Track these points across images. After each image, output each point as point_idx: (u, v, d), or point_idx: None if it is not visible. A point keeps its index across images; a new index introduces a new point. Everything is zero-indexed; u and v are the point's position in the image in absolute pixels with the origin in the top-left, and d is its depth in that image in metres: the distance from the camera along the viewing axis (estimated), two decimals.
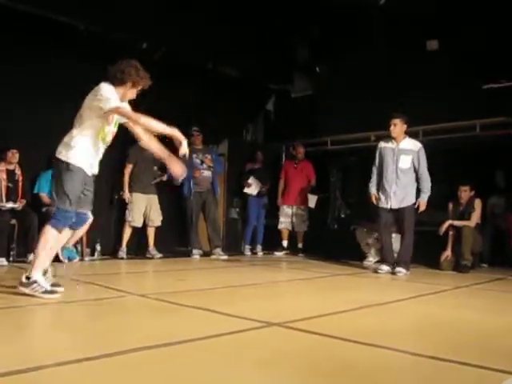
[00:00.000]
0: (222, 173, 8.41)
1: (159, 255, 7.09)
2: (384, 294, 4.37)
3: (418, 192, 5.84)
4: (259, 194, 8.40)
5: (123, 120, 3.73)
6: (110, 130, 3.73)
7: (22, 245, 6.03)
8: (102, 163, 3.82)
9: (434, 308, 3.60)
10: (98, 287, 4.18)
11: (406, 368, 2.12)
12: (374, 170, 6.08)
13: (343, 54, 8.16)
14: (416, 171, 5.82)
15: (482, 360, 2.12)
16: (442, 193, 6.84)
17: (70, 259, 6.08)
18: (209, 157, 7.69)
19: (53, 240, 3.57)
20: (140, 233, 7.27)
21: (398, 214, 5.88)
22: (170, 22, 6.86)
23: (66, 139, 3.62)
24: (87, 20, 6.20)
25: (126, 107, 3.72)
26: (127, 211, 7.02)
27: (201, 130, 7.64)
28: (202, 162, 7.58)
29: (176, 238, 8.17)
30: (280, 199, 8.46)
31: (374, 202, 6.02)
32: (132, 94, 3.74)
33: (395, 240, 6.21)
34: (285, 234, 8.45)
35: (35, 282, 3.42)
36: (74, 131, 3.62)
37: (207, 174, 7.62)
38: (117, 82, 3.65)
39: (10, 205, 5.98)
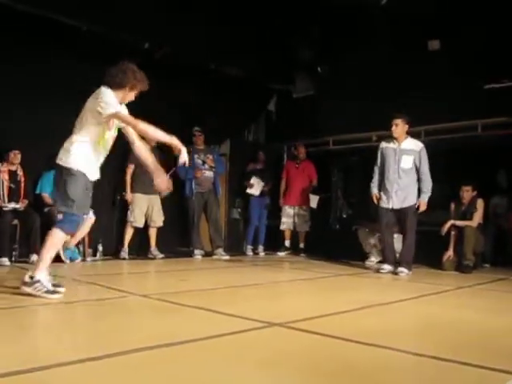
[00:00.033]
0: (223, 173, 8.40)
1: (161, 255, 7.10)
2: (386, 294, 4.36)
3: (420, 192, 5.84)
4: (261, 194, 8.41)
5: (122, 125, 3.74)
6: (111, 135, 3.76)
7: (24, 245, 6.05)
8: (103, 164, 3.83)
9: (436, 308, 3.60)
10: (100, 287, 4.19)
11: (408, 368, 2.12)
12: (376, 170, 6.08)
13: (345, 54, 8.15)
14: (417, 171, 5.82)
15: (483, 360, 2.12)
16: (444, 193, 6.84)
17: (72, 259, 6.10)
18: (210, 157, 7.70)
19: (60, 243, 3.61)
20: (142, 233, 7.28)
21: (399, 214, 5.88)
22: (171, 22, 6.86)
23: (66, 145, 3.64)
24: (88, 20, 6.19)
25: (125, 111, 3.74)
26: (129, 212, 7.03)
27: (202, 130, 7.66)
28: (204, 163, 7.59)
29: (178, 239, 8.18)
30: (282, 199, 8.46)
31: (376, 202, 6.02)
32: (131, 96, 3.77)
33: (397, 240, 6.21)
34: (287, 235, 8.45)
35: (38, 281, 3.43)
36: (74, 136, 3.64)
37: (209, 174, 7.63)
38: (115, 85, 3.66)
39: (12, 205, 5.99)
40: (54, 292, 3.46)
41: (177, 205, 7.84)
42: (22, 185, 6.23)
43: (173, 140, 3.64)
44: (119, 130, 3.81)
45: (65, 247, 5.81)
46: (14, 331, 2.54)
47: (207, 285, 4.61)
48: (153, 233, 7.21)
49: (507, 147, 6.69)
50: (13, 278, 4.35)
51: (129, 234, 7.04)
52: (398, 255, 6.00)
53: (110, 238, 7.23)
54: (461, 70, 6.94)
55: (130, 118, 3.61)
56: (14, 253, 6.03)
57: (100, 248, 6.72)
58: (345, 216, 8.86)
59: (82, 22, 6.19)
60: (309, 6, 7.65)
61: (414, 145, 5.88)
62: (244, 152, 8.96)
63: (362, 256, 7.06)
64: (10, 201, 6.02)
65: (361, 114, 7.80)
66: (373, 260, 6.95)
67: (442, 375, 1.98)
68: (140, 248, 7.38)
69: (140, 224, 7.08)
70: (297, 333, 2.61)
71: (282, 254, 8.29)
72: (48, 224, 6.07)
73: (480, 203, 6.40)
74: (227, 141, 8.97)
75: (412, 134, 6.09)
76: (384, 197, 5.94)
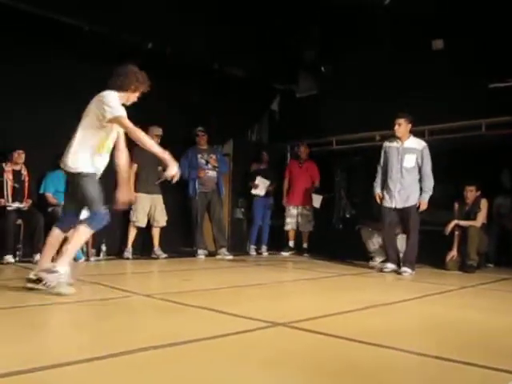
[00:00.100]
0: (227, 173, 8.41)
1: (164, 255, 7.11)
2: (389, 294, 4.36)
3: (421, 191, 5.83)
4: (266, 194, 8.41)
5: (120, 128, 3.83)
6: (112, 137, 3.86)
7: (28, 245, 6.06)
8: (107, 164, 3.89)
9: (440, 308, 3.59)
10: (104, 287, 4.20)
11: (411, 368, 2.12)
12: (379, 170, 6.08)
13: (348, 53, 8.14)
14: (420, 170, 5.82)
15: (487, 360, 2.12)
16: (447, 192, 6.84)
17: (75, 259, 6.09)
18: (214, 157, 7.70)
19: (85, 240, 3.88)
20: (145, 233, 7.29)
21: (402, 213, 5.88)
22: (175, 23, 6.87)
23: (71, 150, 3.73)
24: (88, 20, 6.19)
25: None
26: (131, 211, 7.03)
27: (206, 130, 7.66)
28: (207, 162, 7.59)
29: (181, 238, 8.18)
30: (285, 199, 8.46)
31: (378, 201, 6.02)
32: (134, 98, 3.89)
33: (400, 240, 6.20)
34: (291, 235, 8.45)
35: (60, 272, 3.56)
36: (78, 140, 3.74)
37: (212, 174, 7.63)
38: (118, 87, 3.77)
39: (16, 205, 6.01)
40: (70, 286, 3.60)
41: (180, 205, 7.84)
42: (26, 184, 6.25)
43: (165, 155, 3.72)
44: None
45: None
46: (16, 331, 2.55)
47: (211, 285, 4.62)
48: (156, 233, 7.21)
49: (511, 147, 6.67)
50: (17, 277, 4.37)
51: (132, 233, 7.05)
52: (401, 255, 6.00)
53: (114, 237, 7.22)
54: (464, 69, 6.93)
55: (131, 125, 3.68)
56: (17, 252, 6.05)
57: (103, 248, 6.73)
58: (348, 216, 8.85)
59: (82, 22, 6.20)
60: (312, 5, 7.65)
61: (416, 144, 5.87)
62: (247, 152, 8.96)
63: (366, 256, 7.05)
64: (13, 200, 6.04)
65: (364, 114, 7.79)
66: (376, 260, 6.94)
67: (446, 375, 1.98)
68: (143, 248, 7.38)
69: (143, 224, 7.09)
70: (300, 333, 2.61)
71: (286, 254, 8.29)
72: (52, 224, 6.12)
73: (484, 203, 6.39)
74: (230, 141, 8.97)
75: (415, 133, 6.08)
76: (387, 196, 5.94)
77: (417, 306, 3.71)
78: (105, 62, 6.08)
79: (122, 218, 7.31)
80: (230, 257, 7.41)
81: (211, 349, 2.25)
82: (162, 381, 1.80)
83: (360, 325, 2.89)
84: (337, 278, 5.45)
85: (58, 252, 3.79)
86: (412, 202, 5.80)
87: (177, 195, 7.75)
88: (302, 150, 8.51)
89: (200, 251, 7.42)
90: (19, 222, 6.12)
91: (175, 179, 3.82)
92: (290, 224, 8.40)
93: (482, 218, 6.35)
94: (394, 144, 5.94)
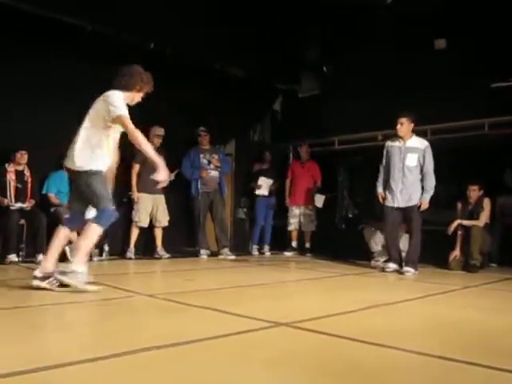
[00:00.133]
0: (229, 173, 8.41)
1: (167, 255, 7.11)
2: (392, 293, 4.35)
3: (423, 190, 5.82)
4: (268, 194, 8.41)
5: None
6: (115, 137, 3.90)
7: (31, 245, 6.07)
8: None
9: (443, 308, 3.59)
10: (107, 287, 4.19)
11: (414, 368, 2.11)
12: (381, 169, 6.08)
13: (350, 53, 8.13)
14: (422, 169, 5.81)
15: (490, 360, 2.11)
16: (450, 192, 6.83)
17: None
18: (216, 157, 7.71)
19: (96, 238, 3.87)
20: (148, 233, 7.29)
21: (404, 212, 5.87)
22: (176, 23, 6.87)
23: (77, 149, 3.76)
24: (88, 20, 6.20)
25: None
26: (133, 211, 7.05)
27: (208, 130, 7.67)
28: (209, 162, 7.60)
29: (184, 238, 8.19)
30: (288, 200, 8.46)
31: (381, 201, 6.02)
32: (138, 98, 3.95)
33: (403, 239, 6.20)
34: (294, 235, 8.46)
35: (80, 272, 3.66)
36: (83, 139, 3.80)
37: (214, 174, 7.64)
38: (123, 88, 3.83)
39: (18, 205, 6.02)
40: (92, 284, 3.71)
41: (182, 205, 7.85)
42: (29, 185, 6.26)
43: (159, 162, 3.76)
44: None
45: (71, 247, 5.83)
46: (19, 331, 2.55)
47: (213, 285, 4.62)
48: (158, 233, 7.22)
49: None
50: (20, 277, 4.38)
51: (134, 234, 7.06)
52: (403, 254, 5.99)
53: (116, 237, 7.24)
54: (468, 68, 6.92)
55: (131, 125, 3.72)
56: (20, 252, 6.07)
57: (106, 248, 6.74)
58: (351, 216, 8.84)
59: (82, 22, 6.21)
60: (313, 5, 7.64)
61: (418, 143, 5.87)
62: (249, 152, 8.96)
63: (368, 255, 7.04)
64: (16, 201, 6.06)
65: (366, 114, 7.79)
66: (379, 259, 6.93)
67: (448, 375, 1.97)
68: (146, 248, 7.40)
69: (145, 224, 7.10)
70: (303, 333, 2.61)
71: (288, 254, 8.29)
72: (54, 224, 6.14)
73: (487, 203, 6.38)
74: (233, 141, 8.97)
75: (418, 132, 6.07)
76: (389, 196, 5.93)
77: (419, 306, 3.70)
78: (105, 62, 6.10)
79: (125, 218, 7.33)
80: (233, 257, 7.41)
81: (214, 349, 2.25)
82: (164, 381, 1.80)
83: (363, 325, 2.89)
84: (339, 277, 5.44)
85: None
86: (414, 201, 5.79)
87: (179, 195, 7.76)
88: (303, 150, 8.51)
89: (202, 251, 7.43)
90: (22, 222, 6.14)
91: (161, 185, 3.88)
92: (293, 224, 8.40)
93: (485, 217, 6.34)
94: (396, 143, 5.93)
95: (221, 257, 7.42)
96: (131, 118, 3.76)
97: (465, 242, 6.32)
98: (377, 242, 7.04)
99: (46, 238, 5.85)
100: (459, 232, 6.40)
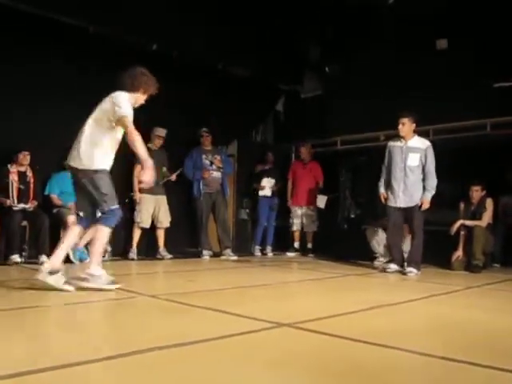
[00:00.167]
0: (231, 173, 8.41)
1: (169, 256, 7.11)
2: (395, 294, 4.35)
3: (424, 190, 5.82)
4: (272, 194, 8.41)
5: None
6: (118, 139, 3.93)
7: (34, 246, 6.08)
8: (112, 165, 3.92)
9: (445, 308, 3.58)
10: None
11: (417, 368, 2.11)
12: (384, 170, 6.07)
13: (353, 53, 8.14)
14: (423, 169, 5.81)
15: (492, 360, 2.11)
16: (453, 192, 6.82)
17: (81, 260, 6.12)
18: (218, 158, 7.71)
19: (107, 238, 3.96)
20: (150, 234, 7.30)
21: (406, 212, 5.86)
22: (179, 23, 6.88)
23: (83, 148, 3.78)
24: (89, 20, 6.21)
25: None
26: (135, 212, 7.05)
27: (210, 130, 7.67)
28: (212, 163, 7.60)
29: (186, 239, 8.19)
30: (290, 201, 8.46)
31: (383, 201, 6.01)
32: (142, 100, 3.98)
33: (405, 240, 6.19)
34: (297, 236, 8.46)
35: (98, 276, 3.74)
36: (89, 139, 3.80)
37: (217, 174, 7.64)
38: (128, 89, 3.85)
39: (21, 206, 6.03)
40: (113, 282, 3.79)
41: (185, 205, 7.86)
42: (32, 186, 6.26)
43: (147, 162, 3.74)
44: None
45: (74, 248, 5.84)
46: (24, 331, 2.56)
47: (215, 285, 4.62)
48: (160, 233, 7.22)
49: None
50: (23, 278, 4.38)
51: (137, 234, 7.06)
52: (405, 255, 5.99)
53: (119, 238, 7.24)
54: (470, 68, 6.92)
55: (131, 126, 3.73)
56: (23, 253, 6.07)
57: (109, 249, 6.73)
58: (353, 216, 8.83)
59: (82, 22, 6.22)
60: (318, 6, 7.64)
61: (420, 143, 5.86)
62: (252, 152, 8.96)
63: (370, 256, 7.04)
64: (19, 201, 6.07)
65: (369, 114, 7.79)
66: (381, 260, 6.93)
67: (451, 376, 1.97)
68: (148, 249, 7.39)
69: (147, 225, 7.10)
70: (305, 333, 2.61)
71: (291, 254, 8.29)
72: (56, 225, 6.15)
73: (489, 203, 6.38)
74: (235, 141, 8.97)
75: (420, 133, 6.06)
76: (391, 196, 5.92)
77: (422, 307, 3.70)
78: (105, 62, 6.12)
79: (127, 219, 7.33)
80: (235, 257, 7.41)
81: (216, 349, 2.25)
82: (167, 381, 1.80)
83: (365, 325, 2.88)
84: (342, 278, 5.44)
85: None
86: (416, 201, 5.78)
87: (181, 196, 7.76)
88: (302, 150, 8.50)
89: (205, 252, 7.43)
90: (24, 223, 6.14)
91: (144, 186, 3.90)
92: (296, 225, 8.41)
93: (487, 217, 6.33)
94: (398, 143, 5.93)
95: (223, 257, 7.42)
96: (134, 119, 3.77)
97: (467, 243, 6.31)
98: (379, 242, 7.04)
99: (49, 238, 5.88)
100: (462, 232, 6.39)
